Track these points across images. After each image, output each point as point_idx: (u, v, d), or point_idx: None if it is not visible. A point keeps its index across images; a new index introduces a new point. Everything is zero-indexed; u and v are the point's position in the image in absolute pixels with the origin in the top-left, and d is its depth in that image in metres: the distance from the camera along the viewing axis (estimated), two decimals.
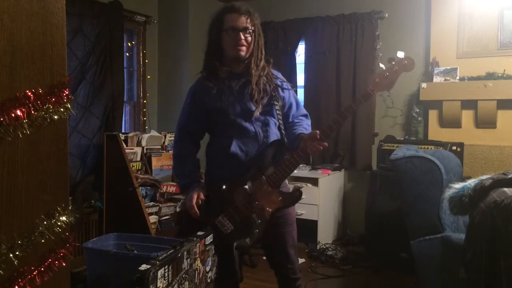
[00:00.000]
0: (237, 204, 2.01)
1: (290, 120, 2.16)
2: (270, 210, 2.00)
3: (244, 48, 2.02)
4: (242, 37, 2.00)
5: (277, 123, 2.12)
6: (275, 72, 2.17)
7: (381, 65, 1.99)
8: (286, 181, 2.15)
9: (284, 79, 2.20)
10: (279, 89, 2.11)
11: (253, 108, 2.04)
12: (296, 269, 2.20)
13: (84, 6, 3.97)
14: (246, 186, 2.01)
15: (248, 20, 2.01)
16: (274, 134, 2.10)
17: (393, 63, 1.97)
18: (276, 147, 2.06)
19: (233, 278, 2.24)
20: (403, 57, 1.96)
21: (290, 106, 2.17)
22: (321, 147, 1.93)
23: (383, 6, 4.55)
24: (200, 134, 2.22)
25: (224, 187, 2.04)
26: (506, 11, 4.06)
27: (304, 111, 2.23)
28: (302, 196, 2.08)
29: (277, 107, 2.10)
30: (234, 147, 2.05)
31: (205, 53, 2.15)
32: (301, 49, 5.00)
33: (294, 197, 2.06)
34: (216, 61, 2.06)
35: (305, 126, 2.14)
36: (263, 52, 2.08)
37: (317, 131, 1.94)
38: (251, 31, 2.02)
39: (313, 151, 1.95)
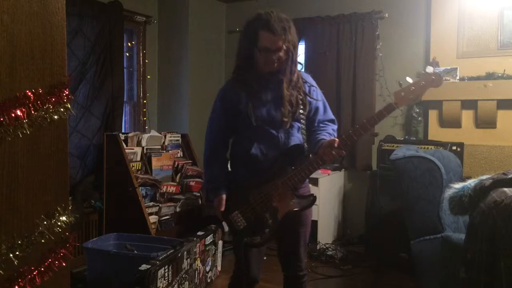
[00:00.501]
0: (253, 203, 2.06)
1: (316, 124, 2.16)
2: (283, 212, 2.05)
3: (275, 65, 2.04)
4: (274, 57, 2.01)
5: (301, 127, 2.13)
6: (304, 75, 2.18)
7: (408, 79, 2.01)
8: (307, 181, 2.19)
9: (313, 83, 2.20)
10: (307, 96, 2.13)
11: (281, 117, 2.07)
12: (303, 266, 2.25)
13: (84, 6, 3.97)
14: (263, 187, 2.05)
15: (283, 40, 2.00)
16: (297, 138, 2.12)
17: (421, 77, 1.99)
18: (295, 152, 2.09)
19: (243, 277, 2.23)
20: (431, 72, 1.98)
21: (317, 110, 2.17)
22: (338, 155, 1.96)
23: (383, 6, 4.54)
24: (229, 135, 2.23)
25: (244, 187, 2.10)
26: (506, 11, 4.06)
27: (331, 116, 2.22)
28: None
29: (301, 111, 2.11)
30: (255, 150, 2.09)
31: (237, 56, 2.16)
32: (301, 49, 4.99)
33: (308, 202, 2.10)
34: (247, 68, 2.08)
35: (329, 131, 2.14)
36: (297, 65, 2.10)
37: (336, 139, 1.97)
38: (284, 49, 2.02)
39: (330, 159, 1.98)
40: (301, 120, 2.11)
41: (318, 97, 2.18)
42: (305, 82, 2.15)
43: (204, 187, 2.25)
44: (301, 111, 2.10)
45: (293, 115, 2.08)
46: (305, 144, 2.10)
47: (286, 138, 2.10)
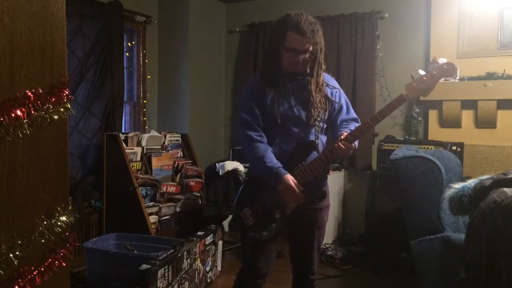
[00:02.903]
0: (262, 199, 2.07)
1: (338, 123, 2.17)
2: (292, 206, 2.05)
3: (301, 65, 2.06)
4: (300, 58, 2.03)
5: (321, 126, 2.13)
6: (327, 77, 2.18)
7: (420, 71, 1.99)
8: (327, 181, 2.20)
9: (336, 85, 2.21)
10: (329, 98, 2.14)
11: (306, 117, 2.09)
12: (314, 269, 2.24)
13: (84, 6, 3.97)
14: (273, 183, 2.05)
15: (310, 42, 2.02)
16: (313, 136, 2.12)
17: (433, 68, 1.98)
18: (305, 148, 2.09)
19: (249, 273, 2.23)
20: (444, 62, 1.95)
21: (340, 110, 2.18)
22: (347, 148, 1.96)
23: (383, 6, 4.54)
24: (261, 127, 2.15)
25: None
26: (506, 11, 4.06)
27: (354, 115, 2.21)
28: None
29: (321, 112, 2.13)
30: (276, 147, 2.09)
31: (265, 53, 2.18)
32: None
33: (316, 196, 2.09)
34: (273, 67, 2.10)
35: (352, 128, 2.13)
36: (323, 67, 2.11)
37: (344, 133, 1.99)
38: (311, 52, 2.04)
39: (339, 152, 1.97)
40: (318, 119, 2.11)
41: (341, 98, 2.19)
42: (327, 85, 2.16)
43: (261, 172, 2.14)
44: (320, 112, 2.11)
45: (317, 116, 2.09)
46: (317, 142, 2.09)
47: (305, 137, 2.10)
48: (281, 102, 2.08)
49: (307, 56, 2.04)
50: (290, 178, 2.00)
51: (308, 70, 2.09)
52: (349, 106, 2.22)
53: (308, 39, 2.00)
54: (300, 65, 2.05)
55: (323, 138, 2.16)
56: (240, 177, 4.02)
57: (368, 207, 4.11)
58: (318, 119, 2.10)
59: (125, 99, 4.48)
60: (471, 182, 2.15)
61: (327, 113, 2.14)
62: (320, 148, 2.11)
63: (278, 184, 2.01)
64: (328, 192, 2.22)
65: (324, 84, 2.14)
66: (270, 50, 2.12)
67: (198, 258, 3.22)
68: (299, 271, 2.25)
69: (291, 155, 2.08)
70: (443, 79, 4.19)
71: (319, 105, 2.09)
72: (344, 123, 2.17)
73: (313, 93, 2.08)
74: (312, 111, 2.08)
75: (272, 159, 2.03)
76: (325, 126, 2.16)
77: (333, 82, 2.21)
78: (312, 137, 2.10)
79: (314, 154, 2.09)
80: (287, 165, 2.06)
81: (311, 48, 2.03)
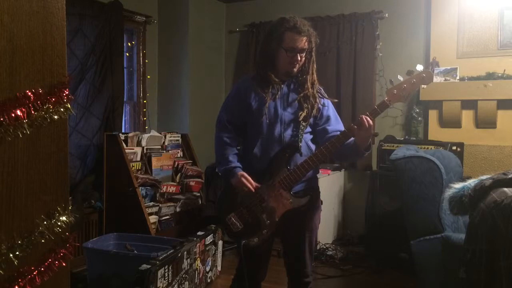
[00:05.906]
0: (249, 205, 2.06)
1: (329, 133, 2.15)
2: (281, 212, 2.05)
3: (297, 66, 2.09)
4: (299, 57, 2.07)
5: (308, 129, 2.14)
6: (318, 87, 2.20)
7: (399, 77, 2.05)
8: (313, 174, 2.19)
9: (324, 94, 2.22)
10: (317, 103, 2.15)
11: (290, 119, 2.10)
12: (308, 272, 2.23)
13: (84, 6, 3.97)
14: (260, 188, 2.06)
15: (307, 41, 2.08)
16: (297, 138, 2.12)
17: (412, 75, 2.03)
18: (289, 151, 2.08)
19: (244, 279, 2.22)
20: (421, 70, 2.02)
21: (328, 119, 2.18)
22: (369, 125, 1.97)
23: (383, 6, 4.55)
24: (239, 129, 2.21)
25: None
26: (506, 11, 4.06)
27: (342, 128, 2.20)
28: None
29: (308, 113, 2.13)
30: (257, 149, 2.10)
31: (259, 55, 2.21)
32: None
33: (305, 201, 2.09)
34: (267, 67, 2.12)
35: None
36: (315, 67, 2.16)
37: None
38: (307, 51, 2.09)
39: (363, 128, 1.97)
40: (304, 123, 2.11)
41: (329, 108, 2.19)
42: (319, 91, 2.18)
43: (220, 172, 2.22)
44: (307, 113, 2.11)
45: (305, 117, 2.10)
46: (300, 144, 2.09)
47: (288, 138, 2.10)
48: (270, 103, 2.09)
49: (303, 55, 2.07)
50: (243, 174, 2.05)
51: (302, 69, 2.12)
52: (337, 117, 2.23)
53: (305, 38, 2.06)
54: (297, 65, 2.08)
55: (308, 141, 2.15)
56: None
57: (368, 207, 4.11)
58: (304, 123, 2.10)
59: (125, 99, 4.47)
60: (471, 182, 2.15)
61: (313, 114, 2.13)
62: (304, 150, 2.10)
63: (232, 179, 2.07)
64: (319, 194, 2.22)
65: (316, 87, 2.15)
66: (266, 53, 2.14)
67: (198, 258, 3.22)
68: (293, 274, 2.25)
69: (273, 158, 2.08)
70: (443, 79, 4.22)
71: (307, 105, 2.10)
72: (334, 132, 2.14)
73: (305, 92, 2.10)
74: (300, 112, 2.09)
75: (234, 162, 2.11)
76: (310, 129, 2.15)
77: (322, 91, 2.22)
78: (295, 139, 2.09)
79: (298, 157, 2.08)
80: (269, 167, 2.06)
81: (307, 47, 2.08)
